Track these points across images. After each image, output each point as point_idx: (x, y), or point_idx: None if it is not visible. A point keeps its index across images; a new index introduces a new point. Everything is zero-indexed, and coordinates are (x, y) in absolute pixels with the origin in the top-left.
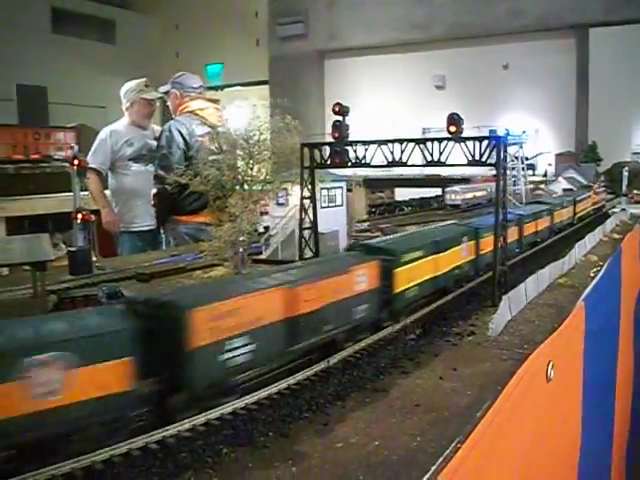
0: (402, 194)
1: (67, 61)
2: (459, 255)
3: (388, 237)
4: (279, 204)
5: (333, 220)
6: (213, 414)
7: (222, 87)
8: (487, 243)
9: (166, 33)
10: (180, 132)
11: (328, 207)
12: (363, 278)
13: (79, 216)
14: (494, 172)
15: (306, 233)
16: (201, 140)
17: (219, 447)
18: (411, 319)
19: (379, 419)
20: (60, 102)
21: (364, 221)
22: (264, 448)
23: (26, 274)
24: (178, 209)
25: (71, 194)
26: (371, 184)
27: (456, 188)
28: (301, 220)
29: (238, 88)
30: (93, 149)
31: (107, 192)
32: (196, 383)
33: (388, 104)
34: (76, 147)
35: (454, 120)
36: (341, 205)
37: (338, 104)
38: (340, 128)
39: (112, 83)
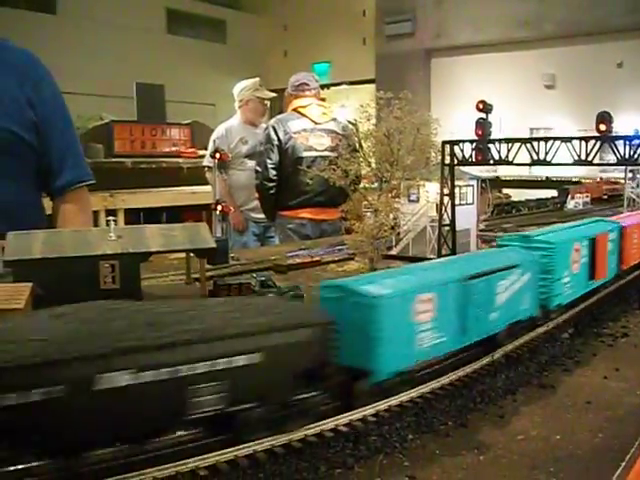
0: (516, 194)
1: (181, 60)
2: None
3: None
4: (411, 201)
5: (464, 218)
6: (393, 401)
7: (329, 85)
8: None
9: (274, 33)
10: (275, 130)
11: (460, 205)
12: None
13: (219, 207)
14: (603, 174)
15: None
16: (296, 136)
17: (405, 433)
18: (563, 318)
19: (554, 414)
20: (174, 100)
21: (484, 220)
22: (447, 436)
23: (166, 262)
24: (281, 204)
25: (183, 188)
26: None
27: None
28: (440, 217)
29: (344, 87)
30: (210, 148)
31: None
32: None
33: (495, 103)
34: (217, 141)
35: (604, 118)
36: (472, 203)
37: (482, 102)
38: (484, 125)
39: (222, 81)
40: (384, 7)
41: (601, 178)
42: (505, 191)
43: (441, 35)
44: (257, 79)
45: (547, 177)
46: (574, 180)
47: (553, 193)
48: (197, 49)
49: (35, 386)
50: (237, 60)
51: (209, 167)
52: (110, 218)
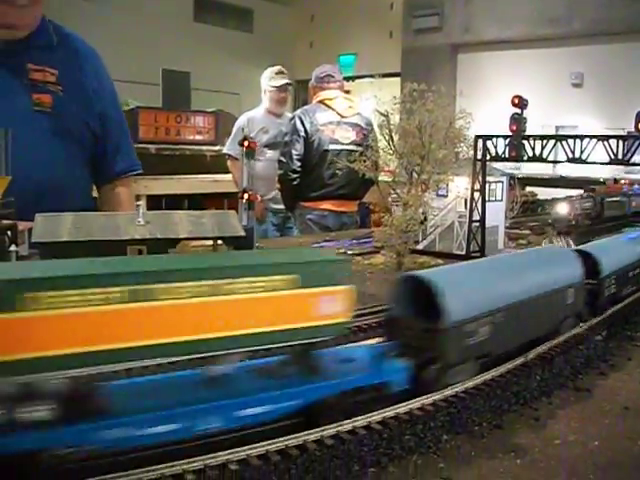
0: (540, 193)
1: (207, 48)
2: None
3: None
4: (439, 195)
5: (492, 215)
6: (427, 400)
7: (354, 78)
8: None
9: (301, 23)
10: (302, 121)
11: (489, 201)
12: None
13: (245, 196)
14: (629, 176)
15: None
16: (322, 128)
17: (439, 433)
18: (596, 320)
19: (591, 419)
20: (200, 88)
21: (510, 218)
22: (482, 438)
23: (191, 249)
24: (302, 195)
25: (206, 176)
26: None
27: None
28: (471, 213)
29: (369, 79)
30: (232, 136)
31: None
32: None
33: None
34: (246, 130)
35: None
36: (501, 200)
37: (518, 97)
38: (519, 121)
39: (247, 70)
40: (412, 1)
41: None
42: (529, 189)
43: (469, 30)
44: (275, 67)
45: (562, 176)
46: (599, 180)
47: (578, 192)
48: (224, 38)
49: None
50: (263, 50)
51: (230, 155)
52: (139, 203)
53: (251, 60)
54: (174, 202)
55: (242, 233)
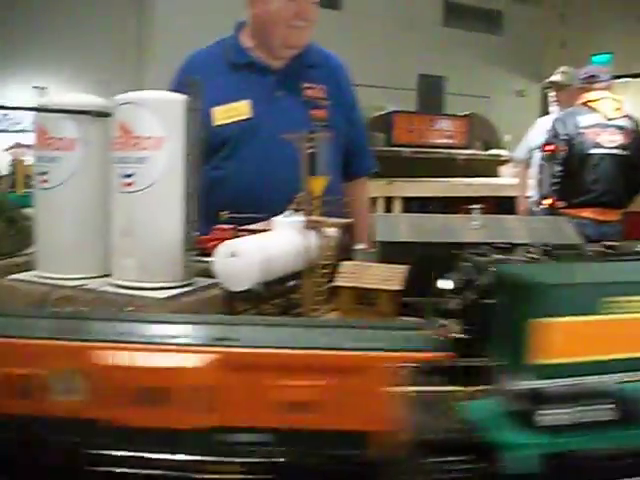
0: None
1: (456, 52)
2: None
3: None
4: None
5: None
6: None
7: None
8: None
9: (551, 23)
10: (564, 123)
11: None
12: None
13: (545, 202)
14: None
15: None
16: (585, 131)
17: None
18: None
19: None
20: (450, 92)
21: None
22: None
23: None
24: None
25: (459, 179)
26: None
27: None
28: None
29: (627, 79)
30: (533, 140)
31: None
32: None
33: None
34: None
35: None
36: None
37: None
38: None
39: (496, 74)
40: None
41: None
42: None
43: None
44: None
45: None
46: None
47: None
48: (472, 41)
49: None
50: (512, 52)
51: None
52: (475, 206)
53: (500, 63)
54: (421, 205)
55: (577, 241)
